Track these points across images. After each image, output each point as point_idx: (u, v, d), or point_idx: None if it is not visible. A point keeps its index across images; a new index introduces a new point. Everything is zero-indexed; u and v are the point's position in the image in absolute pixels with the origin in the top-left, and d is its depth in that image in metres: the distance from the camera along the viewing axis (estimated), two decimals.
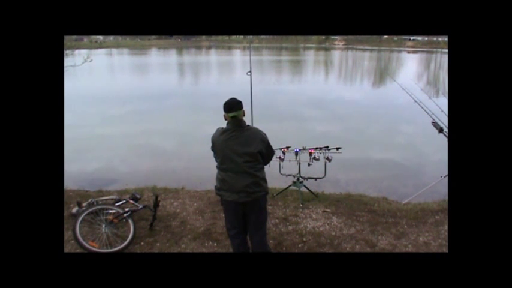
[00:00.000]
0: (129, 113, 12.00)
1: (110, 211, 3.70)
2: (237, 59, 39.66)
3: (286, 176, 4.64)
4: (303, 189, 4.64)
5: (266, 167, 2.92)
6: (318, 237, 3.69)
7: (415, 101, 5.07)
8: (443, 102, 4.15)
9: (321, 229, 3.86)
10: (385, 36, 68.26)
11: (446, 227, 3.87)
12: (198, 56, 45.87)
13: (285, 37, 78.29)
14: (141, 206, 3.92)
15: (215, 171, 2.87)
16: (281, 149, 4.48)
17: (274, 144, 2.92)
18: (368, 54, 49.13)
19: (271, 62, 34.97)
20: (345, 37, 75.94)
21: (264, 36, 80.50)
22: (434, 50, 52.30)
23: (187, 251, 3.45)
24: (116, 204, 3.91)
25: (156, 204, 3.83)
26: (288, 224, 3.97)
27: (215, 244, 3.55)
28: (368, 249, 3.49)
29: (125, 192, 4.68)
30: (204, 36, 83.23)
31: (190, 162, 7.11)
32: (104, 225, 3.52)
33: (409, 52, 52.90)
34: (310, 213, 4.24)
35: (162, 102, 13.78)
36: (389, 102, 14.05)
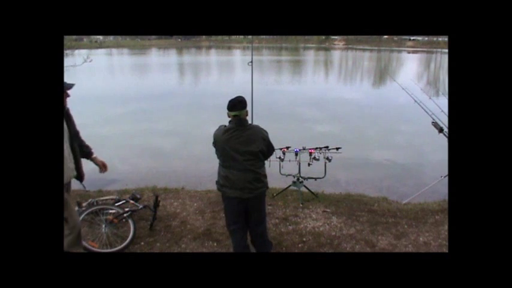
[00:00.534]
0: (129, 113, 12.00)
1: (110, 211, 3.70)
2: (237, 59, 39.65)
3: (286, 176, 4.64)
4: (303, 189, 4.64)
5: (266, 167, 2.98)
6: (318, 237, 3.69)
7: (415, 101, 5.07)
8: (443, 102, 4.15)
9: (321, 229, 3.86)
10: (385, 36, 68.30)
11: (446, 227, 3.87)
12: (198, 56, 45.88)
13: (285, 37, 78.30)
14: (141, 206, 3.92)
15: (215, 171, 2.90)
16: (281, 149, 4.48)
17: (274, 144, 2.95)
18: (368, 54, 49.14)
19: (271, 62, 34.98)
20: (345, 37, 75.96)
21: (264, 36, 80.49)
22: (434, 50, 52.32)
23: (187, 251, 3.45)
24: (116, 204, 3.91)
25: (156, 204, 3.83)
26: (288, 224, 3.97)
27: (215, 244, 3.55)
28: (368, 249, 3.49)
29: (125, 192, 4.68)
30: (204, 36, 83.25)
31: (190, 162, 7.11)
32: (104, 225, 3.52)
33: (409, 52, 52.91)
34: (310, 213, 4.24)
35: (162, 102, 13.78)
36: (389, 102, 14.06)
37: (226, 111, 2.77)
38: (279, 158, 4.48)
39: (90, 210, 3.58)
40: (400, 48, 60.41)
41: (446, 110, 4.15)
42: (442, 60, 36.00)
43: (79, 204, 3.94)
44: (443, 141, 4.55)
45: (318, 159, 4.46)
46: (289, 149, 4.54)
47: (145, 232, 3.73)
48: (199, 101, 13.39)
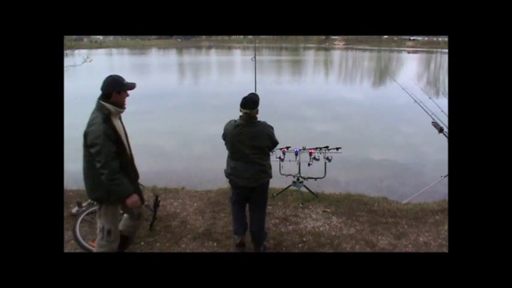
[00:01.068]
0: (129, 113, 11.94)
1: None
2: (237, 58, 39.64)
3: (286, 176, 4.64)
4: (303, 189, 4.64)
5: None
6: (318, 237, 3.69)
7: (415, 101, 5.07)
8: (443, 102, 4.15)
9: (321, 229, 3.86)
10: (385, 36, 68.25)
11: (446, 227, 3.87)
12: (198, 56, 45.88)
13: (285, 37, 78.28)
14: None
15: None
16: (281, 149, 4.48)
17: None
18: (368, 54, 49.14)
19: (271, 62, 34.97)
20: (345, 37, 75.94)
21: (264, 36, 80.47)
22: (434, 50, 52.29)
23: (187, 251, 3.45)
24: None
25: (156, 204, 3.83)
26: (288, 224, 3.97)
27: (215, 244, 3.55)
28: (368, 249, 3.49)
29: None
30: (204, 36, 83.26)
31: (190, 162, 7.10)
32: None
33: (409, 52, 52.92)
34: (310, 213, 4.24)
35: (162, 102, 13.78)
36: (390, 102, 14.06)
37: (239, 106, 3.03)
38: (279, 158, 4.48)
39: (90, 210, 3.58)
40: (400, 48, 60.42)
41: (446, 110, 4.15)
42: (442, 60, 35.99)
43: (79, 204, 3.94)
44: (443, 141, 4.55)
45: (318, 159, 4.46)
46: (289, 149, 4.54)
47: (145, 232, 3.73)
48: (199, 101, 13.38)
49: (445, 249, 3.45)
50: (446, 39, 40.41)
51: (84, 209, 3.67)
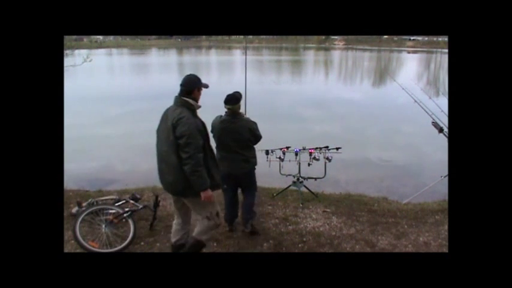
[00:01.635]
0: (129, 113, 12.00)
1: (110, 211, 3.69)
2: (237, 58, 39.64)
3: (286, 176, 4.63)
4: (303, 189, 4.64)
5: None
6: (318, 237, 3.69)
7: (415, 101, 5.07)
8: (443, 102, 4.15)
9: (321, 229, 3.86)
10: (385, 36, 68.25)
11: (446, 227, 3.87)
12: (198, 56, 45.87)
13: (285, 37, 78.27)
14: (141, 206, 3.92)
15: None
16: (281, 149, 4.48)
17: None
18: (368, 54, 49.12)
19: (271, 62, 34.97)
20: (345, 37, 75.90)
21: (264, 36, 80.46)
22: (434, 50, 52.29)
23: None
24: (116, 204, 3.91)
25: (156, 204, 3.83)
26: (288, 224, 3.97)
27: (215, 244, 3.55)
28: (368, 249, 3.49)
29: (125, 192, 4.68)
30: (204, 36, 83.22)
31: None
32: (104, 225, 3.51)
33: (409, 52, 52.91)
34: (310, 213, 4.24)
35: (162, 102, 13.72)
36: (390, 102, 14.06)
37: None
38: (279, 158, 4.48)
39: (90, 210, 3.58)
40: (400, 48, 60.41)
41: (446, 110, 4.15)
42: (442, 60, 35.99)
43: (79, 204, 3.94)
44: (443, 141, 4.55)
45: (318, 159, 4.46)
46: (289, 149, 4.54)
47: (145, 232, 3.73)
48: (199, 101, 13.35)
49: (445, 249, 3.45)
50: (446, 39, 40.41)
51: (84, 209, 3.67)
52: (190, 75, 2.85)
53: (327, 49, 61.60)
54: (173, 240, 3.04)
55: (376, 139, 9.13)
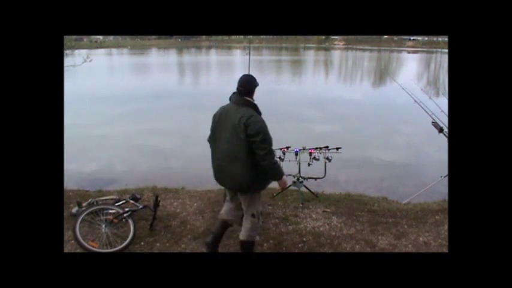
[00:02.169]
0: (129, 113, 12.00)
1: (110, 211, 3.69)
2: (237, 58, 39.64)
3: (286, 176, 4.63)
4: (303, 189, 4.63)
5: None
6: (318, 237, 3.69)
7: (415, 101, 5.07)
8: (443, 102, 4.15)
9: (321, 229, 3.86)
10: (385, 36, 68.28)
11: (446, 227, 3.87)
12: (198, 56, 45.87)
13: (285, 37, 78.29)
14: (141, 206, 3.92)
15: None
16: (281, 149, 4.48)
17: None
18: (368, 54, 49.13)
19: (271, 61, 34.97)
20: (345, 37, 75.94)
21: (264, 36, 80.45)
22: (434, 50, 52.30)
23: (187, 251, 3.45)
24: (116, 204, 3.91)
25: (156, 204, 3.83)
26: (288, 224, 3.97)
27: None
28: (368, 249, 3.49)
29: (125, 192, 4.68)
30: (204, 36, 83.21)
31: (190, 162, 7.10)
32: (104, 225, 3.51)
33: (409, 52, 52.91)
34: (310, 213, 4.24)
35: (162, 102, 13.78)
36: (389, 102, 14.05)
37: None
38: (279, 158, 4.47)
39: (90, 210, 3.58)
40: (400, 48, 60.40)
41: (446, 110, 4.15)
42: (442, 60, 35.99)
43: (79, 204, 3.94)
44: (443, 141, 4.55)
45: (318, 159, 4.45)
46: (289, 149, 4.54)
47: (145, 232, 3.73)
48: (199, 101, 13.37)
49: (445, 249, 3.45)
50: (446, 39, 40.41)
51: (84, 209, 3.67)
52: (248, 75, 2.96)
53: (327, 49, 61.59)
54: (225, 218, 3.15)
55: (376, 139, 9.12)
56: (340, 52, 54.58)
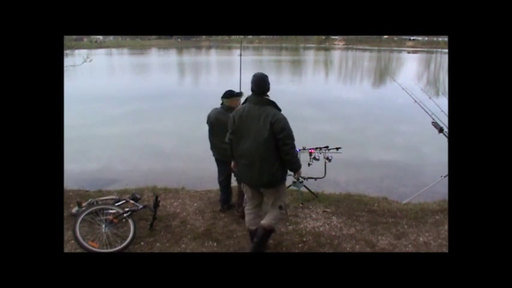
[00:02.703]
0: (129, 113, 12.00)
1: (110, 211, 3.69)
2: (237, 59, 39.62)
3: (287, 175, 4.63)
4: (303, 189, 4.63)
5: None
6: (318, 237, 3.69)
7: (415, 101, 5.07)
8: (443, 102, 4.15)
9: (321, 229, 3.86)
10: (385, 36, 68.23)
11: (446, 227, 3.87)
12: (198, 56, 45.86)
13: (285, 37, 78.28)
14: (141, 206, 3.92)
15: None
16: None
17: None
18: (368, 54, 49.12)
19: (271, 61, 34.96)
20: (345, 37, 75.89)
21: (264, 36, 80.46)
22: (434, 50, 52.28)
23: (187, 251, 3.45)
24: (116, 204, 3.91)
25: (156, 204, 3.83)
26: (288, 224, 3.97)
27: (215, 244, 3.55)
28: (368, 249, 3.49)
29: (125, 192, 4.68)
30: (204, 36, 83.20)
31: (190, 162, 7.10)
32: (104, 225, 3.51)
33: (409, 52, 52.89)
34: (310, 213, 4.24)
35: (162, 102, 13.78)
36: (389, 102, 14.05)
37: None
38: None
39: (90, 210, 3.58)
40: (400, 48, 60.39)
41: (446, 110, 4.15)
42: (442, 60, 35.98)
43: (79, 204, 3.94)
44: (443, 141, 4.55)
45: (318, 159, 4.45)
46: None
47: (145, 232, 3.73)
48: (199, 101, 13.37)
49: (445, 249, 3.45)
50: (446, 39, 40.39)
51: (84, 209, 3.67)
52: (263, 75, 3.02)
53: (327, 49, 61.58)
54: (251, 228, 3.25)
55: (376, 139, 9.12)
56: (340, 52, 54.57)
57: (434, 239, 3.68)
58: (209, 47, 68.28)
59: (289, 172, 4.54)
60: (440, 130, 4.64)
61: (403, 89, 5.44)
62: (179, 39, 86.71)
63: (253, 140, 2.90)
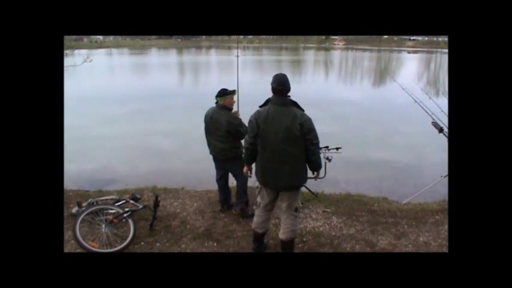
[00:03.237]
0: (129, 113, 11.99)
1: (110, 211, 3.69)
2: (237, 58, 39.57)
3: None
4: (303, 189, 4.62)
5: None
6: (318, 237, 3.69)
7: (415, 101, 5.06)
8: (443, 102, 4.15)
9: (321, 229, 3.86)
10: (385, 36, 68.24)
11: (446, 227, 3.87)
12: (197, 56, 45.85)
13: (285, 37, 78.28)
14: (141, 206, 3.92)
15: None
16: None
17: None
18: (368, 54, 49.11)
19: (271, 61, 34.96)
20: (345, 37, 75.92)
21: (264, 36, 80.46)
22: (434, 50, 52.28)
23: (187, 251, 3.45)
24: (116, 204, 3.91)
25: (156, 204, 3.83)
26: None
27: (215, 244, 3.55)
28: (368, 249, 3.49)
29: (125, 192, 4.68)
30: (204, 36, 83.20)
31: (190, 162, 7.10)
32: (104, 225, 3.51)
33: (409, 52, 52.89)
34: (310, 213, 4.24)
35: (162, 103, 13.77)
36: (390, 102, 14.04)
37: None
38: None
39: (90, 210, 3.58)
40: (400, 48, 60.39)
41: (446, 110, 4.15)
42: (442, 60, 35.97)
43: (79, 204, 3.94)
44: (443, 141, 4.55)
45: None
46: None
47: (145, 232, 3.73)
48: (199, 101, 13.34)
49: (445, 249, 3.45)
50: (446, 39, 40.40)
51: (84, 209, 3.67)
52: (281, 74, 2.99)
53: (327, 49, 61.57)
54: (260, 231, 3.25)
55: (376, 139, 9.12)
56: (340, 52, 54.56)
57: (434, 239, 3.68)
58: (209, 47, 68.27)
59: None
60: (440, 130, 4.64)
61: (403, 89, 5.44)
62: (179, 39, 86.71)
63: (282, 141, 2.83)
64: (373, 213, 4.27)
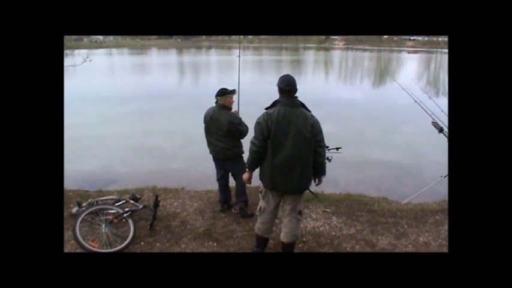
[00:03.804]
0: (129, 113, 11.99)
1: (110, 211, 3.69)
2: (237, 59, 39.55)
3: None
4: None
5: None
6: (318, 237, 3.69)
7: (415, 101, 5.07)
8: (443, 102, 4.15)
9: (321, 229, 3.86)
10: (385, 36, 68.25)
11: (446, 227, 3.87)
12: (197, 56, 45.84)
13: (285, 37, 78.29)
14: (141, 206, 3.92)
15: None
16: None
17: None
18: (368, 54, 49.11)
19: (271, 61, 34.96)
20: (345, 37, 75.93)
21: (264, 36, 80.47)
22: (434, 50, 52.28)
23: (187, 251, 3.45)
24: (116, 204, 3.91)
25: (156, 204, 3.83)
26: None
27: (215, 244, 3.55)
28: (368, 249, 3.49)
29: (125, 192, 4.68)
30: (204, 36, 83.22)
31: (190, 162, 7.10)
32: (104, 225, 3.51)
33: (409, 52, 52.89)
34: (310, 213, 4.24)
35: (162, 102, 13.77)
36: (390, 102, 14.05)
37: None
38: None
39: (90, 210, 3.58)
40: (400, 48, 60.39)
41: (446, 110, 4.15)
42: (442, 60, 35.97)
43: (79, 204, 3.94)
44: (443, 141, 4.55)
45: None
46: None
47: (145, 232, 3.73)
48: (199, 101, 13.34)
49: (445, 249, 3.45)
50: (446, 39, 40.38)
51: (84, 209, 3.67)
52: (289, 75, 2.95)
53: (327, 49, 61.57)
54: (266, 236, 3.24)
55: (376, 139, 9.12)
56: (340, 52, 54.57)
57: (434, 239, 3.68)
58: (209, 47, 68.26)
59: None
60: (440, 130, 4.64)
61: (403, 89, 5.44)
62: (179, 39, 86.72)
63: (294, 143, 2.77)
64: (373, 213, 4.27)
